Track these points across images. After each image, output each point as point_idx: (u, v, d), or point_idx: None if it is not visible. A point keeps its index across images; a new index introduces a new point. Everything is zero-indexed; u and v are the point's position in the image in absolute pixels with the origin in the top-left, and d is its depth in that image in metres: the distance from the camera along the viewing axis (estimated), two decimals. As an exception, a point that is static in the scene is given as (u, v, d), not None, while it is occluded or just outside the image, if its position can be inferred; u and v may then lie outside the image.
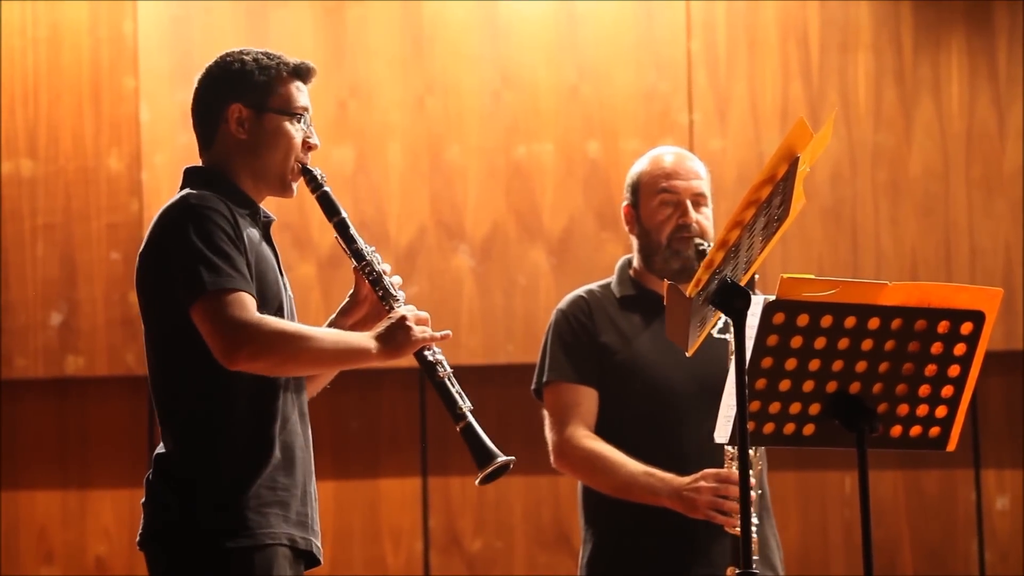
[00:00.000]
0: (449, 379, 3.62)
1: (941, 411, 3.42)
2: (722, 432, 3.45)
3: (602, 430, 4.41)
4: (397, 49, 6.65)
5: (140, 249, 3.58)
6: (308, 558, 3.60)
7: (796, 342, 3.30)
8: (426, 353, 3.61)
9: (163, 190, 6.43)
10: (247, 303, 3.45)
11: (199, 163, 3.70)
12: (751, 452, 4.19)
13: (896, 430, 3.42)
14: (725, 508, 4.21)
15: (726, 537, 4.24)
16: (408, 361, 3.67)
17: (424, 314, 3.62)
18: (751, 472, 4.20)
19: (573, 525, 6.39)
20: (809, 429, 3.38)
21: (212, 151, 3.67)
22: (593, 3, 6.67)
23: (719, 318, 3.44)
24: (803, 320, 3.28)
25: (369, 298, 3.72)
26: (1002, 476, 6.68)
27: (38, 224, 6.56)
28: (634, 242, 4.53)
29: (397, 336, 3.57)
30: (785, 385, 3.33)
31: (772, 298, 3.27)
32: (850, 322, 3.31)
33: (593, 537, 4.44)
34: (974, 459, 6.66)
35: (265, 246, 3.61)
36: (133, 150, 6.55)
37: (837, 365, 3.33)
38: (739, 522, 3.63)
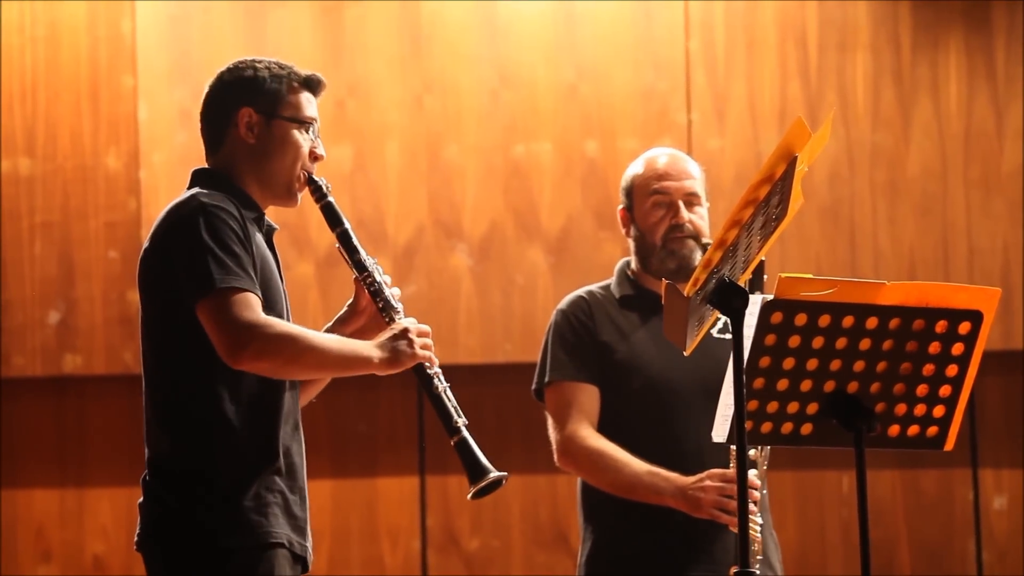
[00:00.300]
0: (445, 393, 3.65)
1: (939, 411, 3.42)
2: (720, 431, 3.45)
3: (602, 428, 4.41)
4: (395, 48, 6.64)
5: (144, 246, 3.58)
6: (302, 564, 3.61)
7: (794, 341, 3.30)
8: (424, 365, 3.63)
9: (161, 189, 6.43)
10: (254, 303, 3.46)
11: (199, 163, 3.70)
12: (759, 452, 4.21)
13: (894, 429, 3.42)
14: (730, 508, 4.21)
15: (728, 536, 4.24)
16: (407, 362, 3.68)
17: (426, 327, 3.64)
18: (758, 472, 4.23)
19: (571, 524, 6.39)
20: (807, 428, 3.38)
21: (219, 154, 3.67)
22: (591, 3, 6.67)
23: (717, 317, 3.44)
24: (801, 319, 3.29)
25: (368, 309, 3.74)
26: (1000, 476, 6.68)
27: (36, 223, 6.56)
28: (631, 244, 4.54)
29: (399, 348, 3.58)
30: (783, 384, 3.33)
31: (770, 297, 3.28)
32: (848, 322, 3.31)
33: (592, 535, 4.43)
34: (972, 459, 6.66)
35: (268, 252, 3.63)
36: (131, 149, 6.55)
37: (835, 364, 3.33)
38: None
